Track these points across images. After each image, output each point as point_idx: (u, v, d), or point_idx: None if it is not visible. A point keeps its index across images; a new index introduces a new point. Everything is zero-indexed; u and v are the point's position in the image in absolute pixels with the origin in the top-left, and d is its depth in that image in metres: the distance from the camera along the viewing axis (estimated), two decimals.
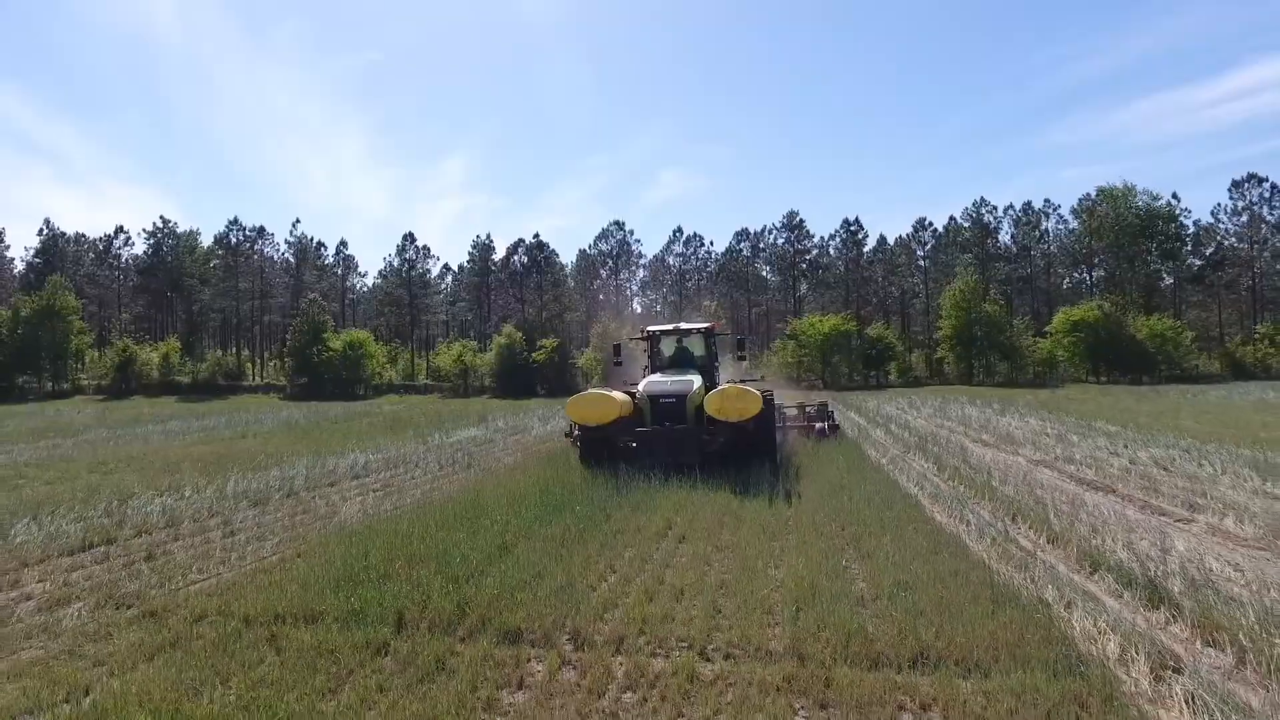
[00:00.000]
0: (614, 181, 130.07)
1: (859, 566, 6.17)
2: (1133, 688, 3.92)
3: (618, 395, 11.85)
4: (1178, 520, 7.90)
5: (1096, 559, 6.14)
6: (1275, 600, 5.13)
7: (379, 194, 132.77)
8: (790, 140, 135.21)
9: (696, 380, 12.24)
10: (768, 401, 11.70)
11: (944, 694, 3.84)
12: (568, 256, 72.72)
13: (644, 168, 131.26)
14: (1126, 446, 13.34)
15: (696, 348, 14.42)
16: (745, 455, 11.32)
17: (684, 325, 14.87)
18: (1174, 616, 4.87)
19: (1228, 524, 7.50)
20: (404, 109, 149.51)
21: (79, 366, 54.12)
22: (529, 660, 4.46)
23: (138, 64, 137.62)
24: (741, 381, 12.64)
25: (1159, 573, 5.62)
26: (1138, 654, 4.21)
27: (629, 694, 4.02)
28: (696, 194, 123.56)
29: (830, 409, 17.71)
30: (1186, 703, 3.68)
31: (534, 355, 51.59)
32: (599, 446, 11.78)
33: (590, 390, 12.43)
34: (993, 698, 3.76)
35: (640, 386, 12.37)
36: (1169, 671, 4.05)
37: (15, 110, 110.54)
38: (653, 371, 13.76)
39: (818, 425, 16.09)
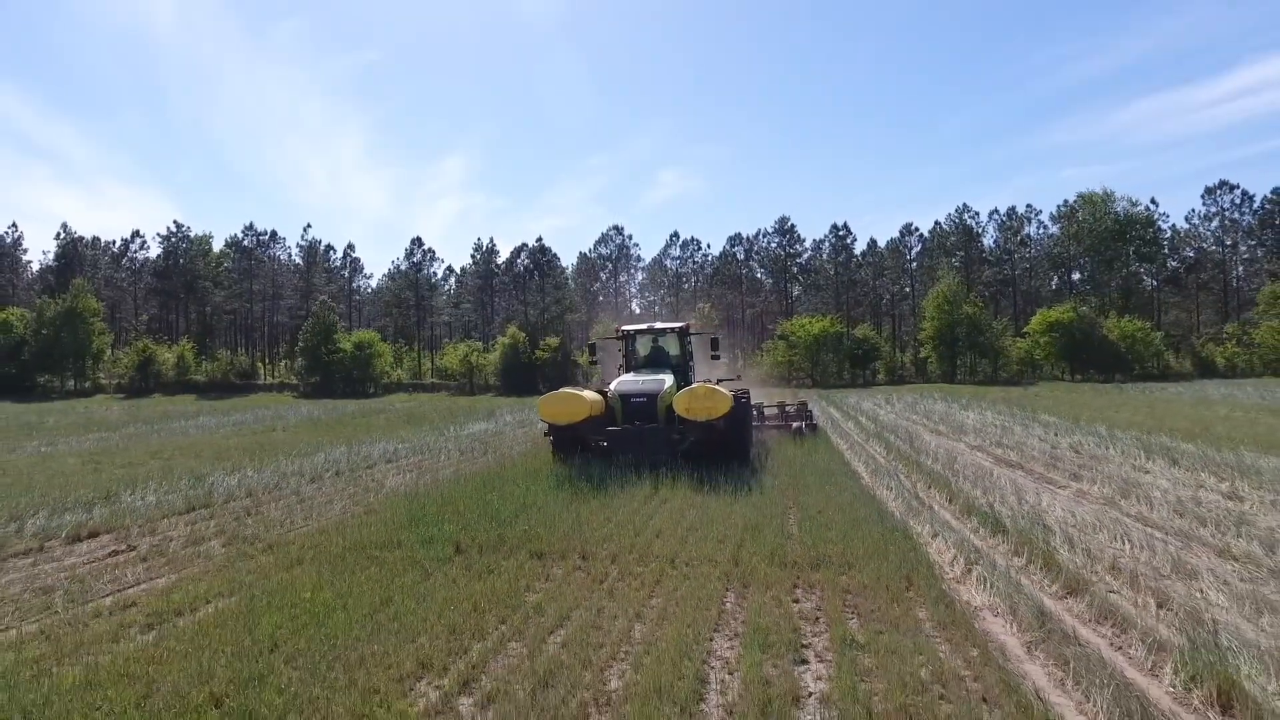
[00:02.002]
0: (614, 182, 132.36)
1: (794, 514, 8.23)
2: (949, 573, 5.98)
3: (588, 394, 11.99)
4: (1058, 487, 9.96)
5: (972, 508, 8.21)
6: (1074, 530, 7.22)
7: (379, 194, 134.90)
8: (788, 140, 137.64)
9: (669, 380, 12.44)
10: (739, 401, 11.73)
11: (825, 579, 5.89)
12: (567, 256, 75.35)
13: (643, 168, 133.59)
14: (1056, 434, 15.40)
15: (672, 347, 14.52)
16: (717, 455, 11.25)
17: (658, 325, 14.93)
18: (1003, 540, 6.93)
19: (1093, 489, 9.56)
20: (403, 109, 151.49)
21: (97, 366, 56.02)
22: (551, 567, 6.50)
23: (138, 63, 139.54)
24: (717, 381, 12.76)
25: (1010, 516, 7.67)
26: (960, 557, 6.27)
27: (620, 582, 6.05)
28: (694, 194, 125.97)
29: (809, 408, 19.37)
30: (978, 580, 5.73)
31: (537, 354, 53.70)
32: (570, 445, 11.94)
33: (561, 389, 12.55)
34: (854, 578, 5.82)
35: (612, 386, 12.54)
36: (976, 566, 6.10)
37: (15, 110, 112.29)
38: (627, 371, 13.81)
39: (794, 424, 17.88)
